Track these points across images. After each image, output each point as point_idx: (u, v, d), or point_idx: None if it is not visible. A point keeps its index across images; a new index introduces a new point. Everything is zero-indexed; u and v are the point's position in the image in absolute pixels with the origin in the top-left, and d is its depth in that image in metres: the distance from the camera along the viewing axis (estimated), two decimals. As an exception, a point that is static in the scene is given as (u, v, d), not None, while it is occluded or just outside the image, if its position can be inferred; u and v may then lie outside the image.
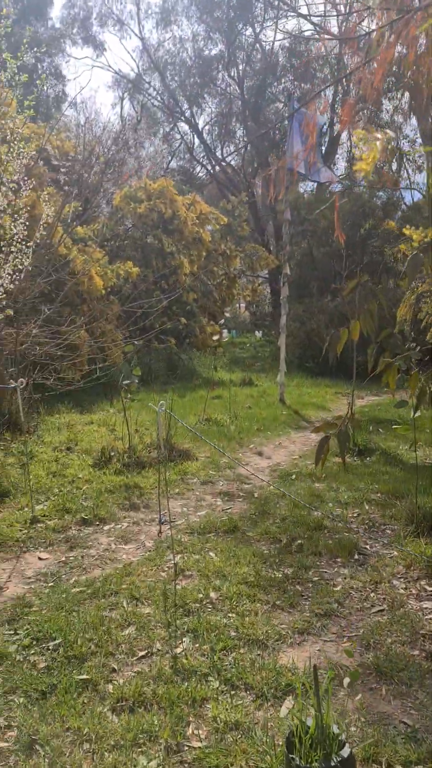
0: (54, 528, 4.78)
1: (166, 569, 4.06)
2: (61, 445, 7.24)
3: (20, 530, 4.73)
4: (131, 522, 5.01)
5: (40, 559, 4.31)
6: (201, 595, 3.64)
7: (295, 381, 13.42)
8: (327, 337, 3.86)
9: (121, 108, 32.15)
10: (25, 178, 5.21)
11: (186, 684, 2.81)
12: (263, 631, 3.25)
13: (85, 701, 2.71)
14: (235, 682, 2.82)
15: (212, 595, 3.65)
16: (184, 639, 3.21)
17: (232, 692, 2.77)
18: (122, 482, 5.86)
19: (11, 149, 4.96)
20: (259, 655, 3.06)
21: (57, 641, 3.17)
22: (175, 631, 3.29)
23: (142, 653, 3.09)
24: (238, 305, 24.87)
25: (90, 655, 3.06)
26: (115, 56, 39.49)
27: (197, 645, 3.14)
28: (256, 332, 24.19)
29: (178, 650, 3.10)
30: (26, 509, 5.13)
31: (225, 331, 14.58)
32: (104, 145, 18.06)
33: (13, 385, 4.89)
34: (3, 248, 5.13)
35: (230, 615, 3.43)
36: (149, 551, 4.42)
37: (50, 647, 3.14)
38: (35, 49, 4.62)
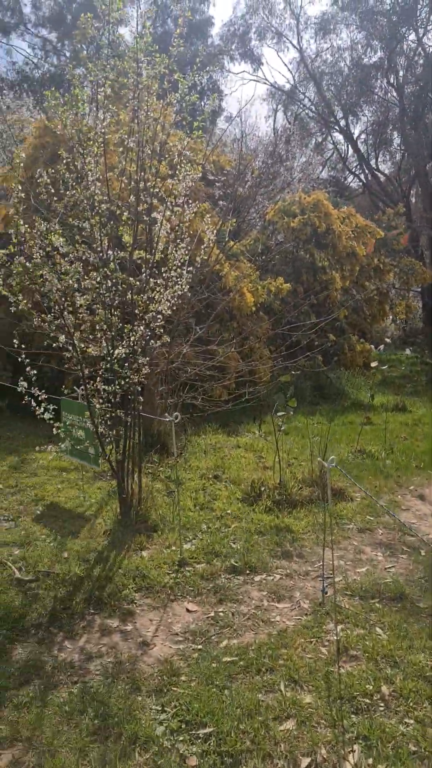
0: (202, 574, 4.48)
1: (327, 644, 3.60)
2: (208, 471, 7.01)
3: (168, 573, 4.48)
4: (284, 574, 4.59)
5: (188, 611, 4.02)
6: (370, 687, 3.14)
7: (453, 408, 12.35)
8: None
9: (274, 120, 32.18)
10: (190, 202, 5.00)
11: None
12: (452, 752, 2.69)
13: None
14: None
15: (384, 689, 3.14)
16: (354, 747, 2.73)
17: None
18: (273, 523, 5.47)
19: (178, 172, 4.77)
20: (448, 787, 2.52)
21: (208, 729, 2.82)
22: (343, 734, 2.82)
23: (306, 761, 2.66)
24: (392, 321, 23.76)
25: (245, 754, 2.68)
26: (270, 69, 39.76)
27: (371, 760, 2.65)
28: (407, 350, 22.91)
29: (348, 766, 2.63)
30: (174, 548, 4.88)
31: (372, 347, 13.82)
32: (258, 158, 17.97)
33: (168, 419, 4.68)
34: (164, 274, 4.94)
35: (407, 721, 2.91)
36: (306, 615, 3.97)
37: (201, 736, 2.79)
38: (207, 68, 4.36)
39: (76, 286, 4.47)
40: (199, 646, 3.59)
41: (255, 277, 11.94)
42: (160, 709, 3.00)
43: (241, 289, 11.01)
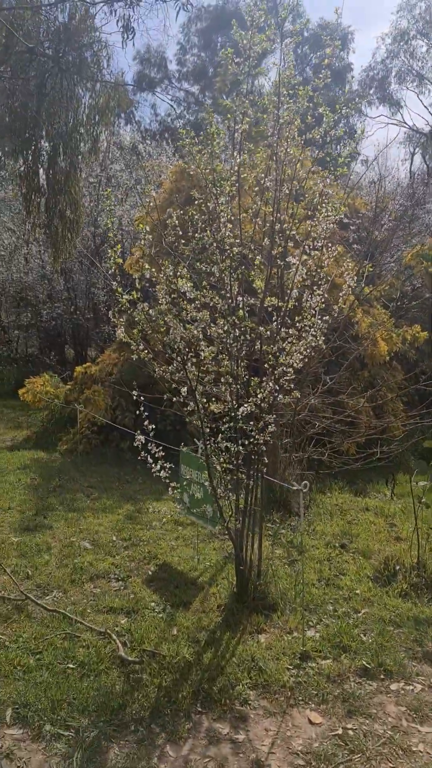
0: (328, 674, 3.83)
1: None
2: (334, 538, 6.33)
3: (288, 669, 3.87)
4: (426, 684, 3.83)
5: (310, 722, 3.39)
6: None
7: None
8: None
9: (411, 163, 31.34)
10: (329, 245, 4.52)
11: None
12: None
13: None
14: None
15: None
16: None
17: None
18: (411, 612, 4.70)
19: (318, 213, 4.31)
20: None
21: None
22: None
23: None
24: None
25: None
26: (409, 112, 39.14)
27: None
28: None
29: None
30: (296, 634, 4.27)
31: None
32: (396, 201, 17.30)
33: (295, 488, 4.14)
34: (297, 323, 4.47)
35: None
36: (457, 748, 3.22)
37: None
38: (346, 108, 3.93)
39: (200, 336, 4.10)
40: (324, 777, 2.96)
41: (390, 324, 11.21)
42: None
43: (375, 336, 10.32)
